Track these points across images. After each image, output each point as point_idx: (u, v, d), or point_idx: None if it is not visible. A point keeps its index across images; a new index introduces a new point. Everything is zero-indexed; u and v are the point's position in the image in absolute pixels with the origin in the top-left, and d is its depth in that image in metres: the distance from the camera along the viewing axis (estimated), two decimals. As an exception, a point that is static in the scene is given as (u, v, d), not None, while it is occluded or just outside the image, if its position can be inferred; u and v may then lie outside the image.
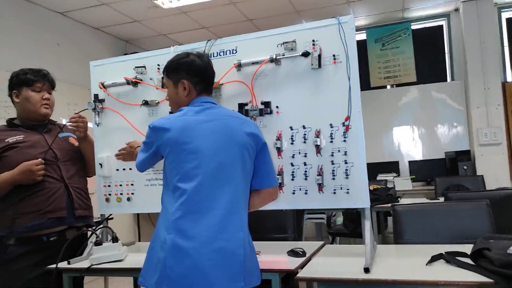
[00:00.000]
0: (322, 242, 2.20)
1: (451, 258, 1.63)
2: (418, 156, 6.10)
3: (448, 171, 5.67)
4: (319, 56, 1.89)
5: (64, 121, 2.49)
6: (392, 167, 5.90)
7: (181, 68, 1.69)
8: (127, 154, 2.11)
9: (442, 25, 6.18)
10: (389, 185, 4.69)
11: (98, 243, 2.08)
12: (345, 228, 4.31)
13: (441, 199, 3.95)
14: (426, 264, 1.62)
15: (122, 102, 2.27)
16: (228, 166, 1.58)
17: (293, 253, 1.91)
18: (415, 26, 6.22)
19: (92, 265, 2.01)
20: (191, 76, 1.69)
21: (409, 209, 2.34)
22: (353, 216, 4.11)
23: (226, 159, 1.58)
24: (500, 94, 5.52)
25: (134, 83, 2.24)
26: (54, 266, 2.00)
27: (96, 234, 2.15)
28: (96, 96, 2.32)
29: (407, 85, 6.22)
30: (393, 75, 6.29)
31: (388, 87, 6.36)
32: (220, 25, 5.60)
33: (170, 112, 2.14)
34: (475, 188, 4.48)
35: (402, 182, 5.32)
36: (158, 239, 1.56)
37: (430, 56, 6.26)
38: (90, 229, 2.23)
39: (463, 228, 2.22)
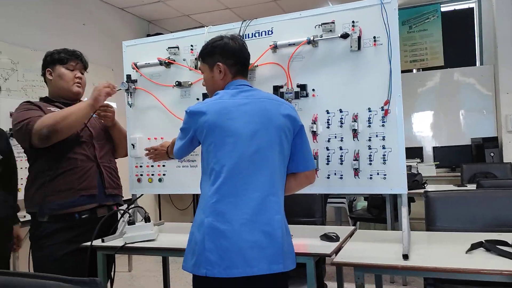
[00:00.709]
0: (353, 227, 2.18)
1: (491, 246, 1.60)
2: (442, 142, 5.99)
3: (474, 158, 5.57)
4: (359, 38, 1.84)
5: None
6: (416, 152, 5.81)
7: (216, 51, 1.68)
8: (158, 154, 2.10)
9: (472, 8, 6.00)
10: (413, 171, 4.64)
11: (131, 223, 2.11)
12: (369, 213, 4.28)
13: (469, 186, 3.89)
14: (466, 252, 1.59)
15: (155, 82, 2.26)
16: (265, 149, 1.56)
17: (326, 237, 1.90)
18: (444, 8, 6.04)
19: (126, 243, 2.04)
20: (226, 58, 1.67)
21: (442, 195, 2.30)
22: (377, 202, 4.08)
23: (264, 142, 1.56)
24: (531, 80, 5.35)
25: (167, 64, 2.22)
26: (88, 243, 2.04)
27: (129, 214, 2.18)
28: (128, 76, 2.31)
29: (434, 69, 6.08)
30: (420, 59, 6.15)
31: (414, 71, 6.23)
32: (245, 6, 5.52)
33: (204, 95, 2.14)
34: (503, 176, 4.39)
35: (426, 168, 5.24)
36: (196, 222, 1.56)
37: (459, 39, 6.09)
38: (123, 208, 2.26)
39: (497, 216, 2.17)
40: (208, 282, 1.48)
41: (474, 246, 1.63)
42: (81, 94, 2.30)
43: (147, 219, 2.14)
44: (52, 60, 2.22)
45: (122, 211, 2.22)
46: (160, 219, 5.88)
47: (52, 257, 2.08)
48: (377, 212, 4.04)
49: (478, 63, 6.02)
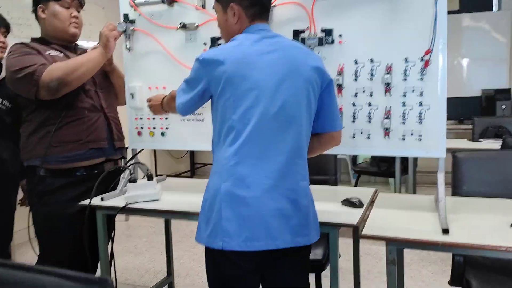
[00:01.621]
0: (374, 189, 2.00)
1: (540, 220, 1.43)
2: (450, 92, 5.70)
3: (483, 110, 5.36)
4: (399, -27, 1.57)
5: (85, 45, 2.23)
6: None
7: None
8: (153, 106, 1.83)
9: None
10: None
11: (132, 180, 1.92)
12: (376, 166, 4.13)
13: (484, 142, 3.73)
14: (511, 226, 1.42)
15: (156, 24, 1.97)
16: (292, 105, 1.34)
17: (348, 203, 1.72)
18: None
19: (127, 204, 1.85)
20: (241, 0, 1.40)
21: (471, 156, 2.11)
22: (386, 156, 3.91)
23: (290, 96, 1.34)
24: (552, 28, 5.05)
25: (170, 2, 1.93)
26: (87, 202, 1.86)
27: (130, 170, 1.98)
28: (126, 16, 2.02)
29: (448, 13, 5.70)
30: (433, 3, 5.75)
31: (426, 15, 5.86)
32: None
33: (212, 39, 1.87)
34: (518, 131, 4.21)
35: (433, 120, 5.04)
36: (211, 188, 1.36)
37: (476, -19, 5.68)
38: (123, 164, 2.08)
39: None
40: (224, 256, 1.30)
41: (519, 219, 1.46)
42: (78, 36, 2.04)
43: (149, 177, 1.94)
44: None
45: (122, 167, 2.03)
46: (156, 168, 5.73)
47: (60, 215, 1.92)
48: (387, 166, 3.89)
49: (495, 8, 5.65)
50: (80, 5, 2.03)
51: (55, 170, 1.91)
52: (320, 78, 1.40)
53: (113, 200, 1.93)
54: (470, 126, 4.54)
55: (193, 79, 1.44)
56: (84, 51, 2.08)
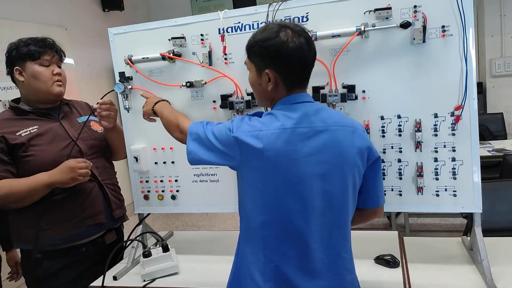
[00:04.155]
0: (395, 233, 1.95)
1: None
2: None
3: (457, 104, 5.48)
4: (424, 27, 1.49)
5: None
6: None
7: (267, 54, 1.22)
8: (145, 110, 1.69)
9: None
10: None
11: (146, 255, 1.77)
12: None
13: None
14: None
15: (157, 82, 1.82)
16: (338, 198, 1.23)
17: (384, 262, 1.66)
18: None
19: (145, 282, 1.72)
20: (279, 66, 1.22)
21: (483, 187, 2.11)
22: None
23: (336, 188, 1.22)
24: (517, 22, 5.19)
25: (172, 59, 1.78)
26: (98, 285, 1.71)
27: (143, 244, 1.84)
28: (122, 74, 1.85)
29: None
30: None
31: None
32: None
33: (223, 97, 1.74)
34: (496, 128, 4.33)
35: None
36: (250, 281, 1.26)
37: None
38: (130, 233, 1.93)
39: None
40: None
41: None
42: (63, 94, 1.85)
43: (165, 248, 1.80)
44: (19, 56, 1.74)
45: (130, 240, 1.88)
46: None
47: None
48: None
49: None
50: (61, 59, 1.83)
51: (52, 251, 1.75)
52: (367, 157, 1.28)
53: (126, 277, 1.78)
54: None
55: (221, 150, 1.26)
56: (73, 106, 1.91)
